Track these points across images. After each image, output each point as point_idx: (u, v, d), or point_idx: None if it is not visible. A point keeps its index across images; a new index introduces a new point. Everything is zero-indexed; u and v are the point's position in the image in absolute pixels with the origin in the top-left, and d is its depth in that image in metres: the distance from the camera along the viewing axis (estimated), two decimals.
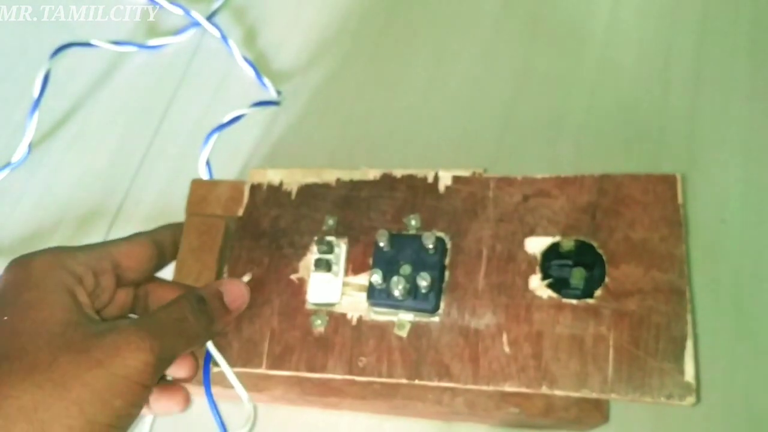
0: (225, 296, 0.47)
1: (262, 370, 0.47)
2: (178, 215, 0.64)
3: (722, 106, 0.62)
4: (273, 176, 0.52)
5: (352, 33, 0.72)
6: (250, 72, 0.69)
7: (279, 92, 0.68)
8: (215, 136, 0.61)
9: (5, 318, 0.39)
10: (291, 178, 0.52)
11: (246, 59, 0.69)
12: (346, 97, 0.68)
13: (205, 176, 0.62)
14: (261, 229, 0.51)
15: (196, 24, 0.72)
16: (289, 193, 0.52)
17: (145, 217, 0.65)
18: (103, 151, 0.68)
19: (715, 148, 0.60)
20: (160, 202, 0.65)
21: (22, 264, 0.42)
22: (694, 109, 0.62)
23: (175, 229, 0.53)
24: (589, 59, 0.67)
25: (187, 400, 0.48)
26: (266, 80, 0.68)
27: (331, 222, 0.50)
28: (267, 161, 0.66)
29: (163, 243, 0.50)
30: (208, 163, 0.62)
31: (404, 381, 0.46)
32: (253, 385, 0.49)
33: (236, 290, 0.48)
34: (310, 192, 0.51)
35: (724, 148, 0.60)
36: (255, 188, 0.52)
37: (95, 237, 0.64)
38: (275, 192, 0.52)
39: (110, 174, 0.67)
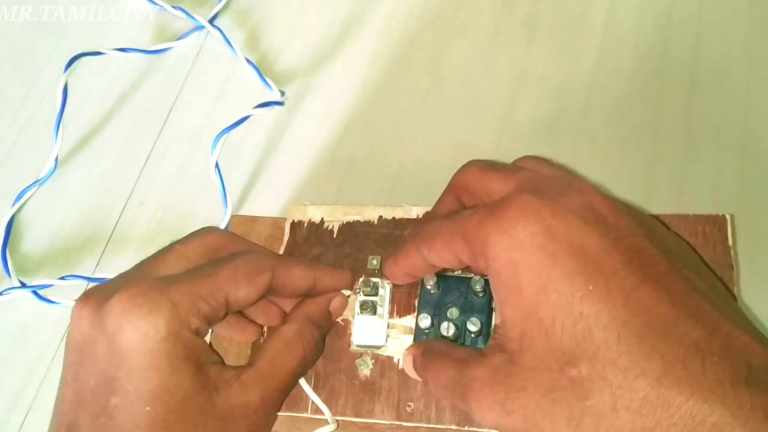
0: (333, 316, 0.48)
1: (307, 415, 0.46)
2: (183, 216, 0.63)
3: (718, 109, 0.62)
4: (313, 213, 0.51)
5: (353, 34, 0.71)
6: (253, 74, 0.67)
7: (282, 93, 0.66)
8: (224, 137, 0.60)
9: (147, 408, 0.38)
10: (332, 216, 0.51)
11: (249, 61, 0.68)
12: (348, 97, 0.68)
13: (215, 179, 0.60)
14: None
15: (200, 27, 0.71)
16: (330, 231, 0.51)
17: (150, 219, 0.64)
18: (108, 154, 0.67)
19: (712, 149, 0.60)
20: (165, 202, 0.65)
21: (141, 322, 0.38)
22: (690, 111, 0.62)
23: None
24: (586, 61, 0.66)
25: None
26: (270, 81, 0.67)
27: (374, 262, 0.49)
28: (272, 162, 0.65)
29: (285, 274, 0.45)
30: (217, 166, 0.61)
31: (453, 427, 0.45)
32: (297, 428, 0.48)
33: (341, 310, 0.48)
34: (352, 230, 0.50)
35: (721, 150, 0.60)
36: (295, 225, 0.51)
37: (103, 240, 0.63)
38: (316, 230, 0.51)
39: (114, 176, 0.66)
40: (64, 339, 0.59)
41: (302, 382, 0.46)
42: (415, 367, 0.45)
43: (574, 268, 0.34)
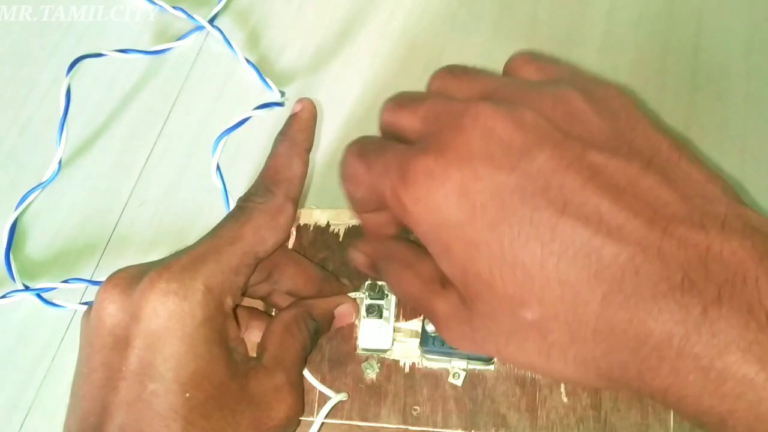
0: (336, 320, 0.47)
1: (313, 419, 0.46)
2: (183, 217, 0.63)
3: (718, 109, 0.62)
4: (319, 217, 0.51)
5: (354, 34, 0.71)
6: (253, 74, 0.67)
7: (282, 93, 0.66)
8: (224, 139, 0.60)
9: (187, 395, 0.38)
10: (338, 219, 0.51)
11: (249, 61, 0.68)
12: (347, 97, 0.67)
13: (217, 181, 0.61)
14: None
15: (200, 28, 0.70)
16: (336, 235, 0.51)
17: (150, 220, 0.64)
18: (109, 156, 0.67)
19: (712, 149, 0.60)
20: (165, 203, 0.64)
21: (176, 308, 0.38)
22: (690, 111, 0.62)
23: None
24: (586, 61, 0.66)
25: None
26: (270, 82, 0.66)
27: None
28: None
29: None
30: (218, 168, 0.61)
31: (460, 431, 0.45)
32: None
33: (347, 318, 0.48)
34: (358, 233, 0.50)
35: (721, 150, 0.60)
36: (301, 229, 0.51)
37: (103, 241, 0.63)
38: (322, 233, 0.51)
39: (114, 177, 0.66)
40: (64, 336, 0.59)
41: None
42: (371, 269, 0.45)
43: (494, 216, 0.33)
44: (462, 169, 0.34)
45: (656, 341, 0.31)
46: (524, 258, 0.33)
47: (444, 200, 0.34)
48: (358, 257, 0.46)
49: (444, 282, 0.39)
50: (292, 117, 0.48)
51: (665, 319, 0.30)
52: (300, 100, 0.48)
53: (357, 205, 0.43)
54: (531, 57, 0.41)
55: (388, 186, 0.37)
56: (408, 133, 0.39)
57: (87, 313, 0.41)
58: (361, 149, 0.41)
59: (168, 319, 0.38)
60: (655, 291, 0.31)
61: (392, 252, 0.44)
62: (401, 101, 0.41)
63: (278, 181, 0.45)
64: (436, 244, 0.36)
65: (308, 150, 0.47)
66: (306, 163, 0.47)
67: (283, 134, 0.47)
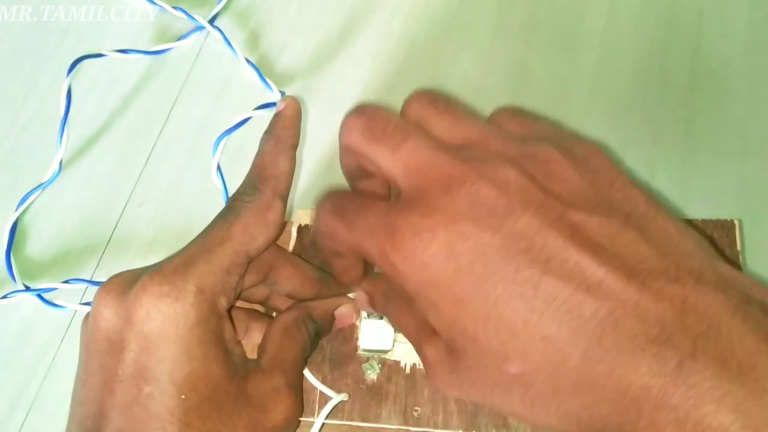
0: (336, 321, 0.48)
1: (314, 419, 0.46)
2: (184, 217, 0.63)
3: (719, 110, 0.62)
4: None
5: (354, 34, 0.71)
6: (253, 74, 0.67)
7: (282, 93, 0.66)
8: (224, 140, 0.60)
9: (183, 397, 0.38)
10: None
11: (249, 61, 0.68)
12: (347, 97, 0.67)
13: (218, 182, 0.61)
14: None
15: (200, 28, 0.70)
16: None
17: (150, 220, 0.64)
18: (109, 156, 0.67)
19: (713, 151, 0.60)
20: (165, 203, 0.64)
21: (169, 310, 0.38)
22: (690, 113, 0.62)
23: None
24: (586, 61, 0.66)
25: None
26: (270, 82, 0.66)
27: None
28: None
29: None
30: (219, 169, 0.61)
31: None
32: None
33: (348, 319, 0.48)
34: None
35: (722, 152, 0.60)
36: (302, 230, 0.51)
37: (103, 241, 0.63)
38: None
39: (115, 177, 0.66)
40: (65, 336, 0.59)
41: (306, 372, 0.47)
42: (375, 305, 0.46)
43: (479, 275, 0.34)
44: (448, 230, 0.35)
45: (635, 394, 0.31)
46: (508, 315, 0.34)
47: (431, 259, 0.35)
48: (359, 296, 0.47)
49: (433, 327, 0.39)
50: (277, 116, 0.48)
51: (643, 372, 0.31)
52: (284, 98, 0.48)
53: (331, 257, 0.45)
54: (513, 112, 0.42)
55: (375, 246, 0.37)
56: (386, 176, 0.39)
57: (85, 318, 0.42)
58: (337, 207, 0.42)
59: (161, 321, 0.38)
60: (633, 345, 0.32)
61: (390, 291, 0.45)
62: (374, 128, 0.39)
63: (265, 179, 0.45)
64: (424, 300, 0.37)
65: (294, 147, 0.47)
66: (292, 160, 0.47)
67: (269, 133, 0.48)
